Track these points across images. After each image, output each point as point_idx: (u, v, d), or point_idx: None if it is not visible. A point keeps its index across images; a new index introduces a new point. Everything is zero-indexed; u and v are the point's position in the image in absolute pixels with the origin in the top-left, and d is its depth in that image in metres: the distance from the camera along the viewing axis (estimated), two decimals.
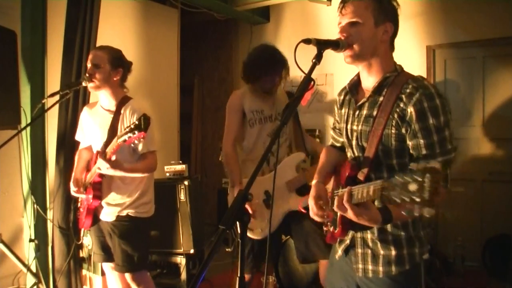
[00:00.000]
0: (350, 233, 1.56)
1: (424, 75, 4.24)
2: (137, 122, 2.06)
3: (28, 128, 3.03)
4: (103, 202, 2.47)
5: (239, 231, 1.14)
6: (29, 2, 3.21)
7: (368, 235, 1.51)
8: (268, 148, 1.24)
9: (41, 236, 3.25)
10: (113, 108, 2.46)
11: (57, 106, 2.88)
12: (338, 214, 1.48)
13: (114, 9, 4.02)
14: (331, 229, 1.57)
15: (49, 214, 3.29)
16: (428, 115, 1.36)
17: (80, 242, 3.16)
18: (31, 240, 3.17)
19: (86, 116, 2.60)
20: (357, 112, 1.54)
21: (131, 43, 4.25)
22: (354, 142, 1.55)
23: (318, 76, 4.69)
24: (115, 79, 2.42)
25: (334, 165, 1.69)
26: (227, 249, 4.45)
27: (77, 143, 2.76)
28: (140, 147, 2.38)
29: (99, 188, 2.44)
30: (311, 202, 1.55)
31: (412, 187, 1.02)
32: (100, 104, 2.53)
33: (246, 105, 2.68)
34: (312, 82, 1.36)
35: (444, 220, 4.05)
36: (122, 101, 2.46)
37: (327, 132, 4.79)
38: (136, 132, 2.06)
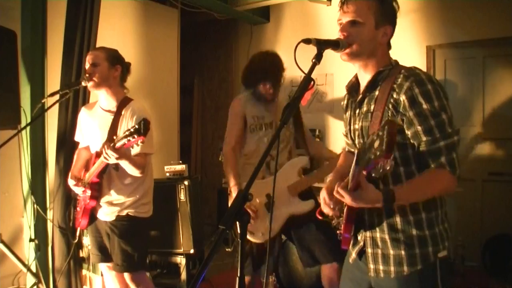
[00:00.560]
0: (362, 234, 1.52)
1: None
2: (137, 126, 2.06)
3: (28, 128, 3.03)
4: (103, 202, 2.47)
5: (239, 231, 1.14)
6: (29, 2, 3.21)
7: (378, 234, 1.46)
8: (267, 149, 1.24)
9: (41, 236, 3.25)
10: (114, 109, 2.46)
11: (57, 106, 2.88)
12: (345, 211, 1.48)
13: (114, 9, 4.02)
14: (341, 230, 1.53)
15: (49, 214, 3.30)
16: (421, 100, 1.34)
17: (76, 241, 3.15)
18: (31, 240, 3.17)
19: (84, 117, 2.60)
20: (357, 111, 1.55)
21: (131, 43, 4.25)
22: (357, 141, 1.55)
23: (318, 76, 4.69)
24: (114, 76, 2.43)
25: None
26: (227, 249, 4.45)
27: (77, 143, 2.75)
28: (134, 148, 2.37)
29: (97, 188, 2.44)
30: (323, 193, 1.52)
31: (376, 143, 1.04)
32: (99, 104, 2.53)
33: (247, 110, 2.69)
34: (312, 82, 1.36)
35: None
36: (123, 102, 2.46)
37: (327, 132, 4.79)
38: (135, 136, 2.06)
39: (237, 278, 1.16)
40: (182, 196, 3.48)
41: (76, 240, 3.16)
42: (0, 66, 2.88)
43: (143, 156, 2.42)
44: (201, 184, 4.00)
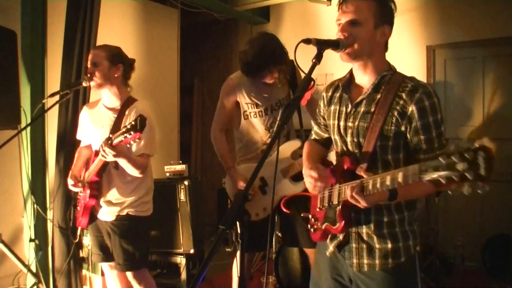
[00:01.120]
0: None
1: (424, 75, 4.26)
2: (133, 123, 2.06)
3: (28, 128, 3.03)
4: (103, 202, 2.47)
5: (239, 231, 1.14)
6: (29, 2, 3.21)
7: (364, 230, 1.54)
8: (267, 150, 1.25)
9: (41, 236, 3.25)
10: (117, 108, 2.45)
11: (57, 106, 2.88)
12: (337, 210, 1.50)
13: (114, 9, 4.02)
14: (324, 226, 1.58)
15: (49, 214, 3.30)
16: (428, 112, 1.43)
17: (77, 241, 3.16)
18: (31, 240, 3.17)
19: (86, 116, 2.60)
20: (353, 110, 1.55)
21: (131, 43, 4.25)
22: (349, 139, 1.56)
23: (318, 76, 4.69)
24: (116, 75, 2.41)
25: (321, 157, 1.75)
26: (227, 249, 4.45)
27: (78, 142, 2.75)
28: (134, 147, 2.37)
29: (96, 187, 2.44)
30: (312, 172, 1.61)
31: (462, 166, 1.06)
32: (102, 103, 2.52)
33: (240, 96, 2.63)
34: (312, 82, 1.37)
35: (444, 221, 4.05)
36: (127, 102, 2.45)
37: None
38: (132, 132, 2.06)
39: (237, 278, 1.16)
40: (182, 196, 3.48)
41: (77, 240, 3.16)
42: (0, 66, 2.88)
43: (145, 157, 2.42)
44: (201, 184, 3.99)
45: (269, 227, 2.49)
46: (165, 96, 4.75)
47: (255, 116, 2.65)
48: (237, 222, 1.13)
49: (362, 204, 1.40)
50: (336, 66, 4.32)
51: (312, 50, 1.41)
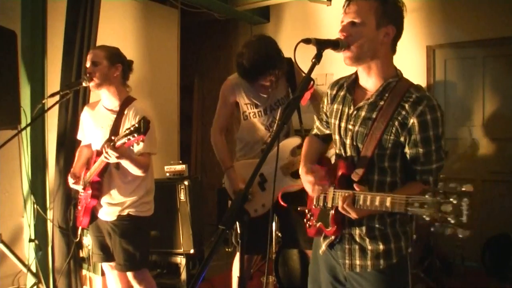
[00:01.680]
0: None
1: (424, 75, 4.25)
2: (137, 125, 2.05)
3: (28, 128, 3.03)
4: (103, 202, 2.47)
5: (239, 231, 1.14)
6: (29, 2, 3.21)
7: (356, 231, 1.55)
8: (266, 151, 1.24)
9: (41, 236, 3.25)
10: (116, 108, 2.45)
11: (57, 106, 2.88)
12: (331, 214, 1.52)
13: (114, 9, 4.02)
14: (318, 225, 1.60)
15: (49, 214, 3.30)
16: (430, 126, 1.43)
17: (77, 240, 3.16)
18: (31, 240, 3.17)
19: (87, 116, 2.60)
20: (354, 112, 1.55)
21: (131, 43, 4.25)
22: (348, 141, 1.56)
23: (318, 76, 4.69)
24: (115, 75, 2.42)
25: (319, 155, 1.76)
26: (227, 249, 4.45)
27: (78, 142, 2.75)
28: (136, 148, 2.36)
29: (98, 187, 2.44)
30: (308, 177, 1.59)
31: (446, 208, 1.09)
32: (102, 103, 2.52)
33: (239, 97, 2.64)
34: (312, 82, 1.37)
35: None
36: (126, 102, 2.45)
37: None
38: (135, 135, 2.06)
39: (237, 278, 1.16)
40: (182, 196, 3.48)
41: (77, 239, 3.16)
42: (0, 66, 2.88)
43: (147, 156, 2.42)
44: (201, 184, 3.99)
45: (268, 226, 2.50)
46: (165, 96, 4.75)
47: (254, 116, 2.65)
48: (237, 222, 1.13)
49: (353, 216, 1.43)
50: (336, 66, 4.33)
51: (312, 50, 1.41)
